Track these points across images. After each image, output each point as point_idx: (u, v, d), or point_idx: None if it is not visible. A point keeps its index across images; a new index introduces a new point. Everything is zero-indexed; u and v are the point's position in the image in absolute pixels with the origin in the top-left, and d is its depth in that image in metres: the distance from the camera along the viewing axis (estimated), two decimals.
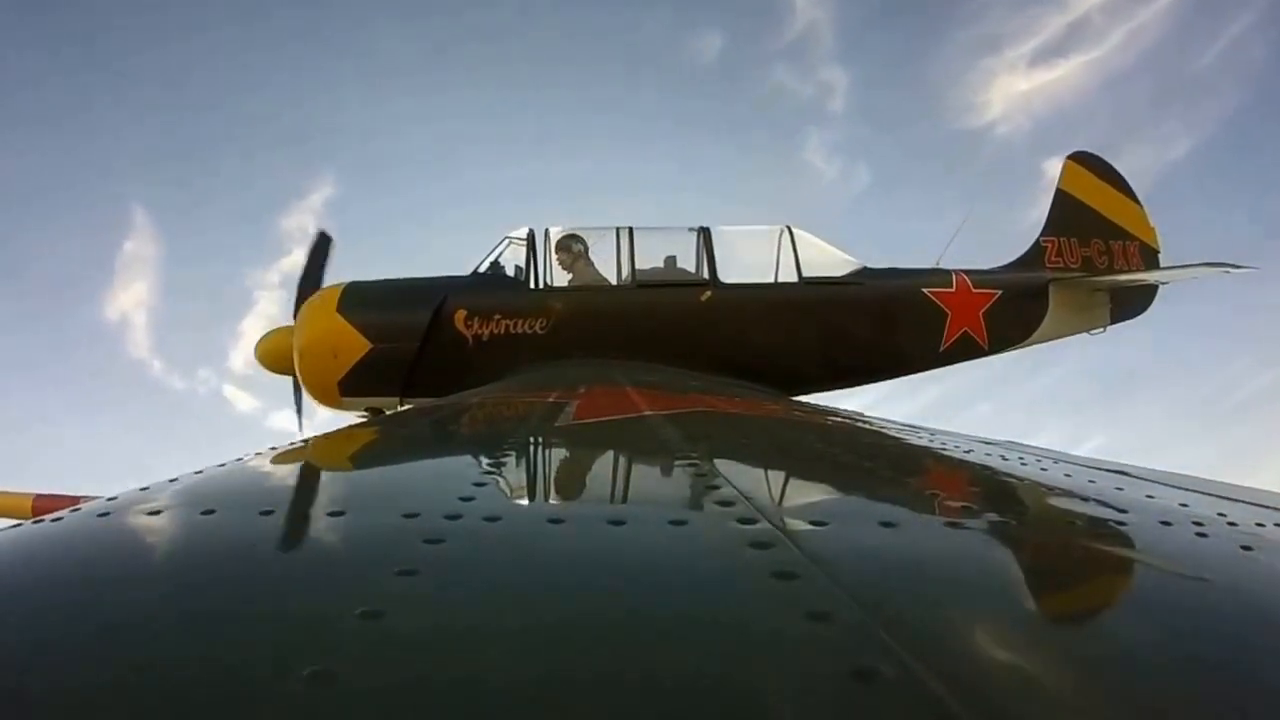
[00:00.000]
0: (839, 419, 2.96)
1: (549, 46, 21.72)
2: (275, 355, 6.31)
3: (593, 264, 6.47)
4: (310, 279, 6.65)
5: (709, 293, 6.25)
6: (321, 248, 6.82)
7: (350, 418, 6.15)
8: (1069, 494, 1.38)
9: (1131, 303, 7.27)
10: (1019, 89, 18.55)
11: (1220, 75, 17.35)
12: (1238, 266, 6.54)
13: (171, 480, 1.23)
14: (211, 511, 0.99)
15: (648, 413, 2.50)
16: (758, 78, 20.71)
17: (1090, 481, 1.47)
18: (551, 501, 1.30)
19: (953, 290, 6.73)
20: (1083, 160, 7.55)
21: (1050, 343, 7.22)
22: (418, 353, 5.95)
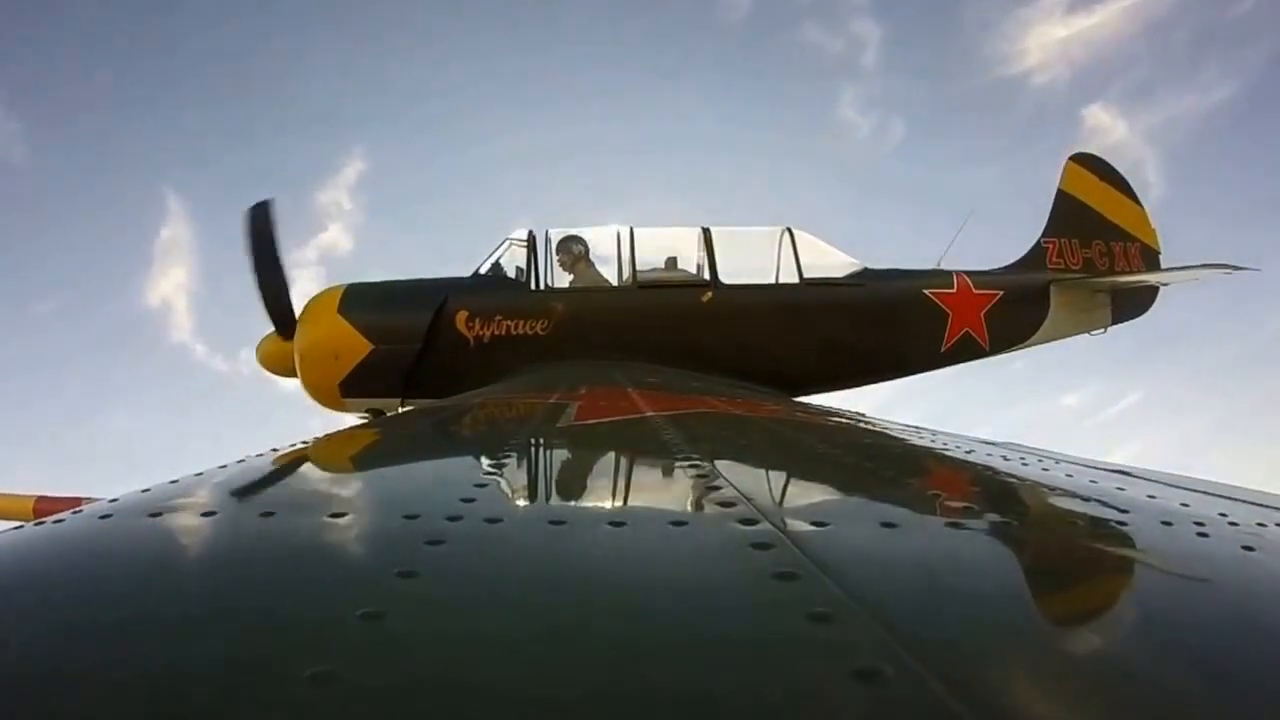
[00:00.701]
0: (840, 420, 2.96)
1: (576, 8, 21.51)
2: (276, 358, 6.31)
3: (593, 265, 6.48)
4: (264, 262, 6.01)
5: (710, 294, 6.26)
6: (262, 221, 6.01)
7: (351, 419, 6.15)
8: (1070, 494, 1.38)
9: (1132, 304, 7.27)
10: (1056, 36, 18.32)
11: (1261, 19, 17.16)
12: (1239, 268, 6.55)
13: (172, 482, 1.24)
14: (213, 513, 0.99)
15: (649, 414, 2.50)
16: (788, 35, 20.57)
17: (1091, 482, 1.47)
18: (552, 502, 1.30)
19: (953, 291, 6.74)
20: (1084, 161, 7.56)
21: (1051, 343, 7.23)
22: (419, 354, 5.96)
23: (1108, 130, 17.65)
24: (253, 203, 6.00)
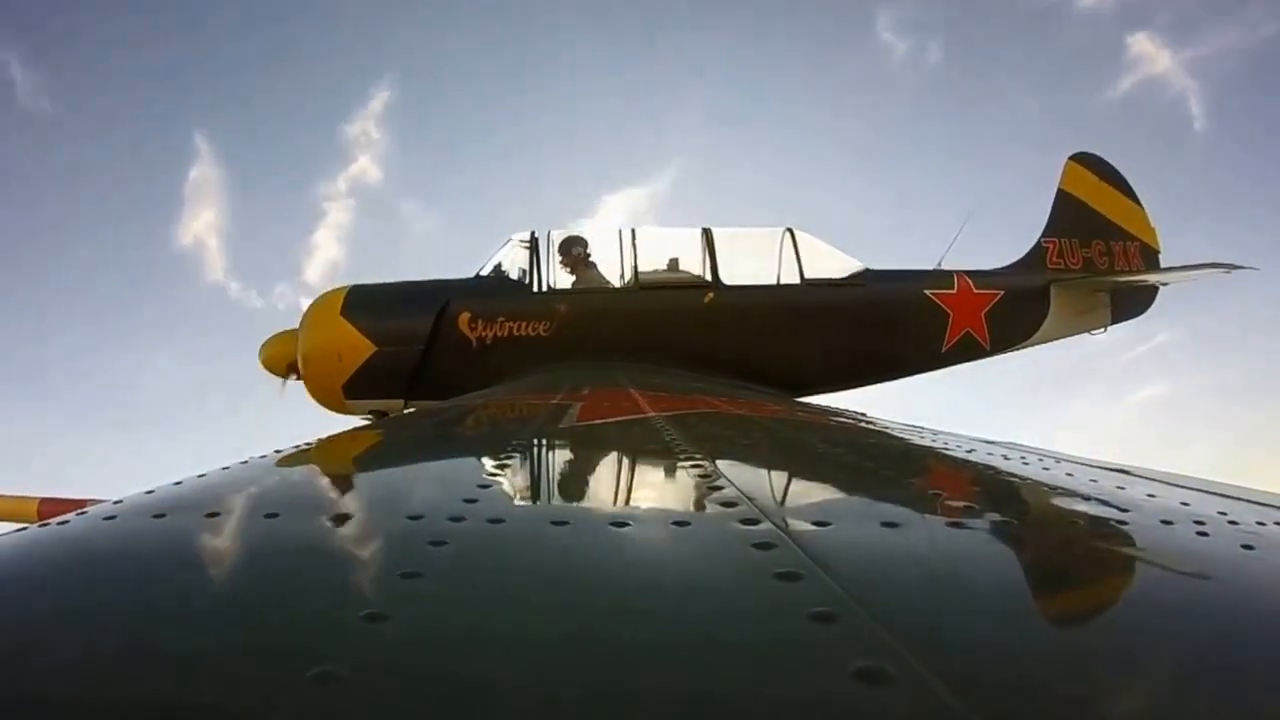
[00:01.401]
0: (841, 419, 2.96)
1: None
2: (280, 359, 6.32)
3: (595, 266, 6.49)
4: None
5: (711, 294, 6.27)
6: None
7: (355, 421, 6.15)
8: (1071, 493, 1.38)
9: (1132, 303, 7.28)
10: None
11: None
12: (1239, 267, 6.55)
13: (176, 483, 1.24)
14: (216, 514, 0.99)
15: (650, 414, 2.50)
16: None
17: (1092, 481, 1.47)
18: (555, 503, 1.30)
19: (954, 291, 6.74)
20: (1084, 161, 7.56)
21: (1051, 343, 7.23)
22: (422, 355, 5.96)
23: (1152, 59, 17.33)
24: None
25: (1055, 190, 7.49)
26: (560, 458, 1.78)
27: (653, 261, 6.46)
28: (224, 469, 1.40)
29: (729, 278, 6.37)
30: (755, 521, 0.94)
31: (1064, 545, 0.99)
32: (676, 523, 0.97)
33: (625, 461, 1.74)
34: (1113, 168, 7.51)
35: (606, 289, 6.37)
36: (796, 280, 6.41)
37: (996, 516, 1.08)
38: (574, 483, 1.55)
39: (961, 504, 1.13)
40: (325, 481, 1.58)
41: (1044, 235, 7.31)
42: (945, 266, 6.97)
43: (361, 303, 6.15)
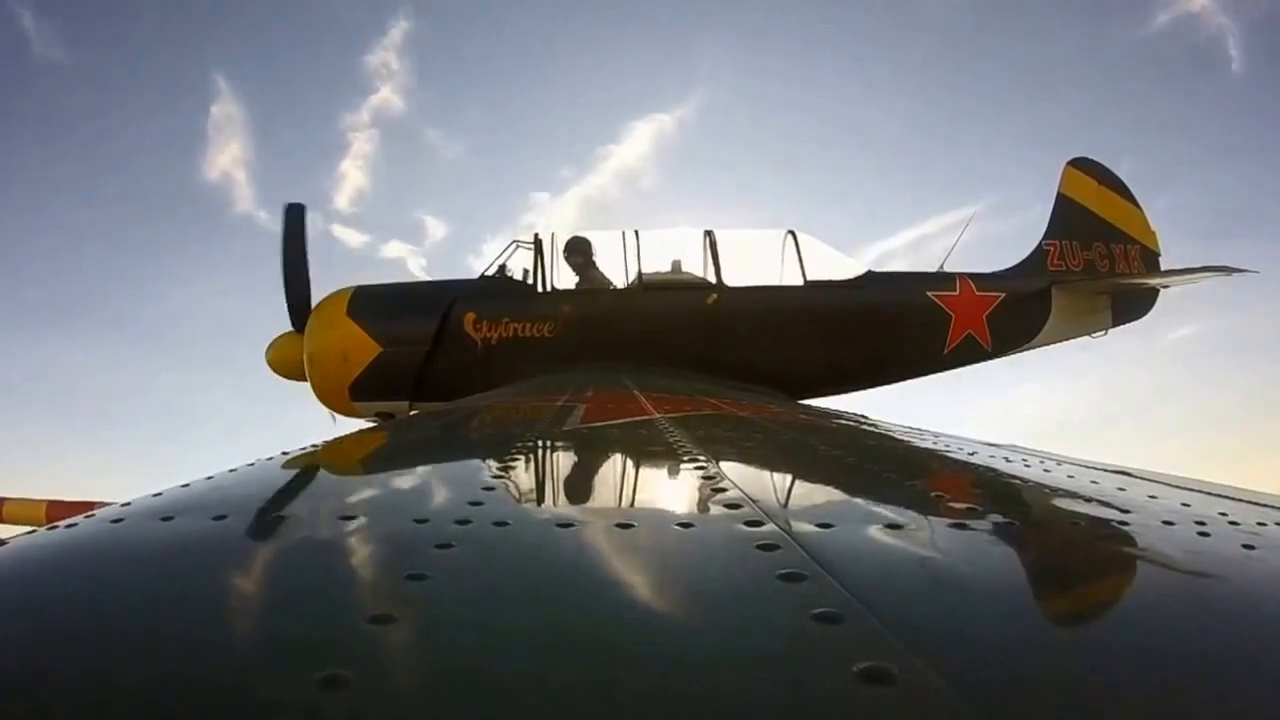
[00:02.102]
0: (844, 421, 2.96)
1: None
2: (286, 361, 6.32)
3: (599, 267, 6.49)
4: (294, 264, 6.18)
5: (714, 296, 6.27)
6: (295, 223, 6.20)
7: (360, 423, 6.15)
8: (1072, 495, 1.38)
9: (1133, 306, 7.28)
10: None
11: None
12: (1239, 270, 6.55)
13: (184, 485, 1.25)
14: (223, 517, 1.00)
15: (655, 416, 2.51)
16: None
17: (1093, 483, 1.48)
18: (560, 505, 1.31)
19: (956, 293, 6.74)
20: (1083, 166, 7.56)
21: (1052, 346, 7.23)
22: (427, 356, 5.96)
23: None
24: (288, 203, 6.17)
25: (1055, 194, 7.49)
26: (565, 460, 1.78)
27: (656, 263, 6.47)
28: (231, 471, 1.41)
29: (732, 279, 6.37)
30: (759, 523, 0.95)
31: (1066, 546, 0.99)
32: (680, 525, 0.98)
33: (629, 464, 1.74)
34: (1111, 172, 7.52)
35: (610, 290, 6.38)
36: (799, 282, 6.42)
37: (998, 518, 1.08)
38: (579, 485, 1.55)
39: (964, 505, 1.14)
40: (331, 484, 1.58)
41: (1045, 238, 7.31)
42: (947, 268, 6.98)
43: (367, 304, 6.16)
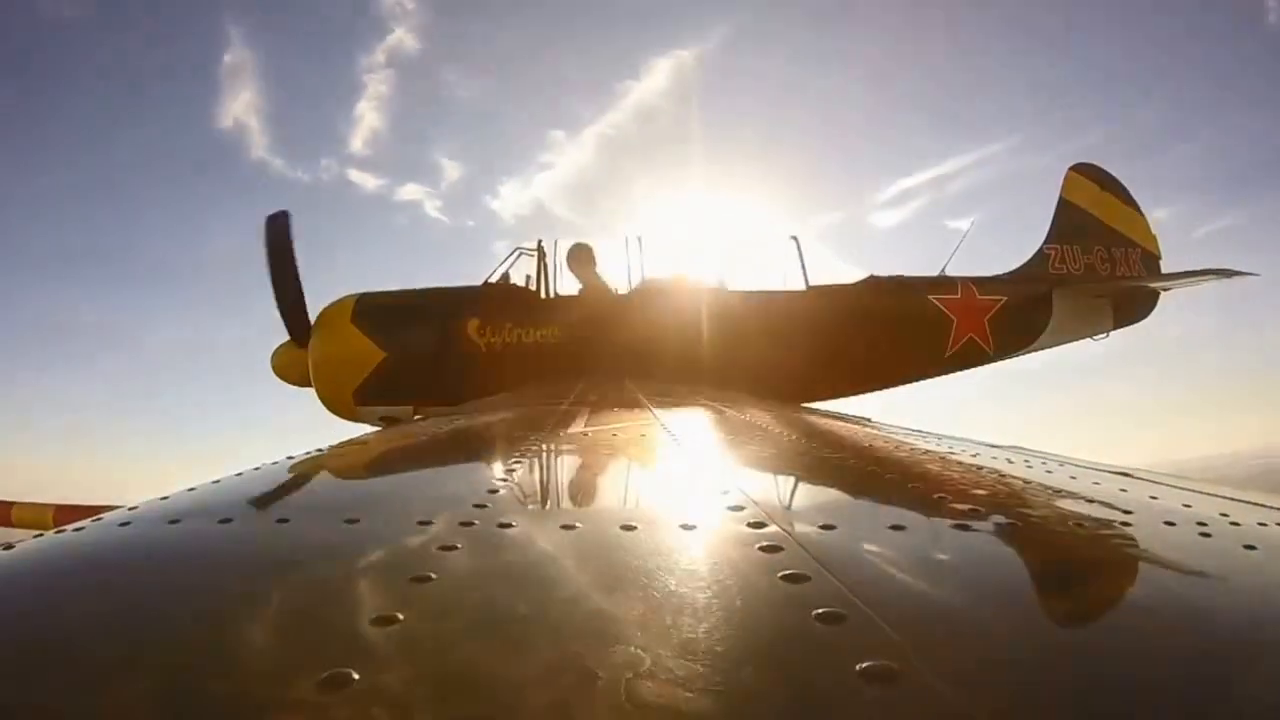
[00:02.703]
0: (846, 424, 2.96)
1: None
2: (290, 368, 6.33)
3: (602, 273, 6.50)
4: (280, 273, 5.99)
5: (717, 301, 6.27)
6: (279, 235, 5.98)
7: (365, 428, 6.16)
8: (1075, 496, 1.38)
9: (1133, 309, 7.28)
10: None
11: None
12: (1239, 274, 6.56)
13: (190, 489, 1.25)
14: (229, 520, 1.00)
15: (658, 420, 2.51)
16: None
17: (1095, 484, 1.48)
18: (563, 507, 1.31)
19: (958, 297, 6.75)
20: (1084, 171, 7.58)
21: (1054, 349, 7.23)
22: (431, 362, 5.98)
23: None
24: (269, 215, 6.02)
25: (1057, 199, 7.50)
26: (568, 463, 1.78)
27: (659, 268, 6.48)
28: (237, 475, 1.41)
29: (735, 284, 6.38)
30: (762, 525, 0.95)
31: (1067, 547, 1.00)
32: (684, 526, 0.98)
33: (633, 466, 1.74)
34: (1113, 177, 7.54)
35: (613, 296, 6.39)
36: (802, 286, 6.43)
37: (1001, 519, 1.08)
38: (582, 487, 1.56)
39: (965, 507, 1.14)
40: (336, 487, 1.59)
41: (1046, 242, 7.32)
42: (949, 273, 6.99)
43: (371, 310, 6.18)
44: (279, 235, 5.98)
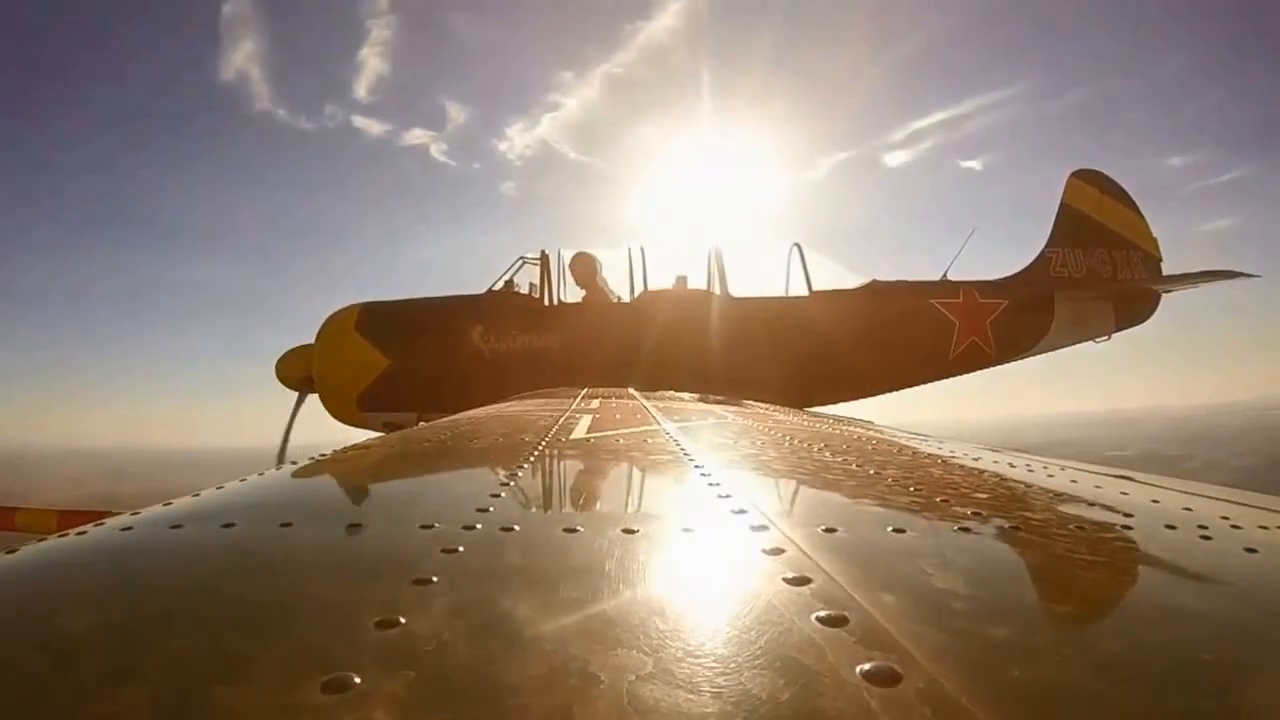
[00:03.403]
0: (847, 427, 2.96)
1: None
2: (295, 374, 6.36)
3: (605, 281, 6.53)
4: None
5: (719, 307, 6.29)
6: None
7: (368, 434, 6.18)
8: (1076, 499, 1.38)
9: (1135, 311, 7.30)
10: None
11: None
12: (1241, 275, 6.56)
13: (194, 495, 1.26)
14: (232, 524, 1.01)
15: (660, 424, 2.51)
16: None
17: (1096, 487, 1.48)
18: (566, 511, 1.31)
19: (960, 301, 6.76)
20: (1086, 176, 7.61)
21: (1056, 351, 7.23)
22: (434, 369, 6.01)
23: None
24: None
25: (1058, 204, 7.52)
26: (571, 467, 1.78)
27: (661, 276, 6.51)
28: (241, 480, 1.42)
29: (737, 290, 6.40)
30: (764, 528, 0.95)
31: (1070, 550, 1.00)
32: (686, 529, 0.98)
33: (635, 470, 1.74)
34: (1114, 181, 7.57)
35: (616, 303, 6.41)
36: (804, 292, 6.44)
37: (1002, 522, 1.08)
38: (585, 491, 1.56)
39: (967, 510, 1.14)
40: (339, 492, 1.59)
41: (1048, 246, 7.33)
42: (951, 277, 7.00)
43: (374, 318, 6.22)
44: None
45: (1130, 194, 7.55)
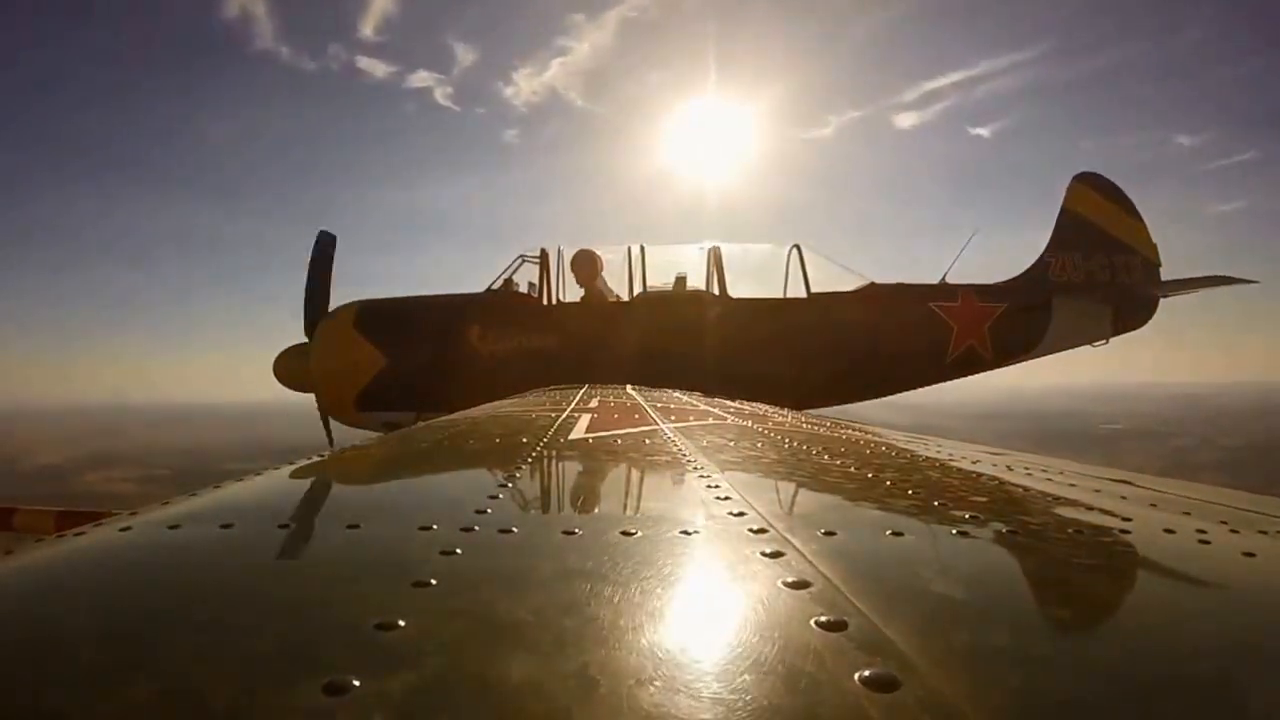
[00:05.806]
0: (847, 430, 2.96)
1: None
2: (293, 373, 6.36)
3: (604, 280, 6.53)
4: (316, 285, 6.44)
5: (718, 308, 6.29)
6: (324, 251, 6.51)
7: (367, 434, 6.18)
8: (1074, 503, 1.39)
9: (1133, 315, 7.31)
10: None
11: None
12: (1239, 281, 6.57)
13: (192, 494, 1.26)
14: (230, 525, 1.01)
15: (659, 425, 2.52)
16: None
17: (1095, 491, 1.48)
18: (564, 513, 1.31)
19: (958, 304, 6.76)
20: (1087, 181, 7.62)
21: (1054, 355, 7.24)
22: (433, 368, 6.00)
23: None
24: (321, 231, 6.54)
25: (1059, 208, 7.53)
26: (569, 469, 1.78)
27: (660, 276, 6.51)
28: (239, 480, 1.42)
29: (736, 291, 6.40)
30: (763, 531, 0.95)
31: (1069, 554, 1.00)
32: (685, 532, 0.98)
33: (634, 472, 1.74)
34: (1115, 186, 7.58)
35: (615, 303, 6.41)
36: (803, 294, 6.45)
37: (1001, 526, 1.08)
38: (583, 493, 1.56)
39: (966, 514, 1.14)
40: (337, 493, 1.59)
41: (1047, 250, 7.34)
42: (949, 281, 7.00)
43: (373, 317, 6.22)
44: (323, 250, 6.39)
45: (1131, 200, 7.57)
